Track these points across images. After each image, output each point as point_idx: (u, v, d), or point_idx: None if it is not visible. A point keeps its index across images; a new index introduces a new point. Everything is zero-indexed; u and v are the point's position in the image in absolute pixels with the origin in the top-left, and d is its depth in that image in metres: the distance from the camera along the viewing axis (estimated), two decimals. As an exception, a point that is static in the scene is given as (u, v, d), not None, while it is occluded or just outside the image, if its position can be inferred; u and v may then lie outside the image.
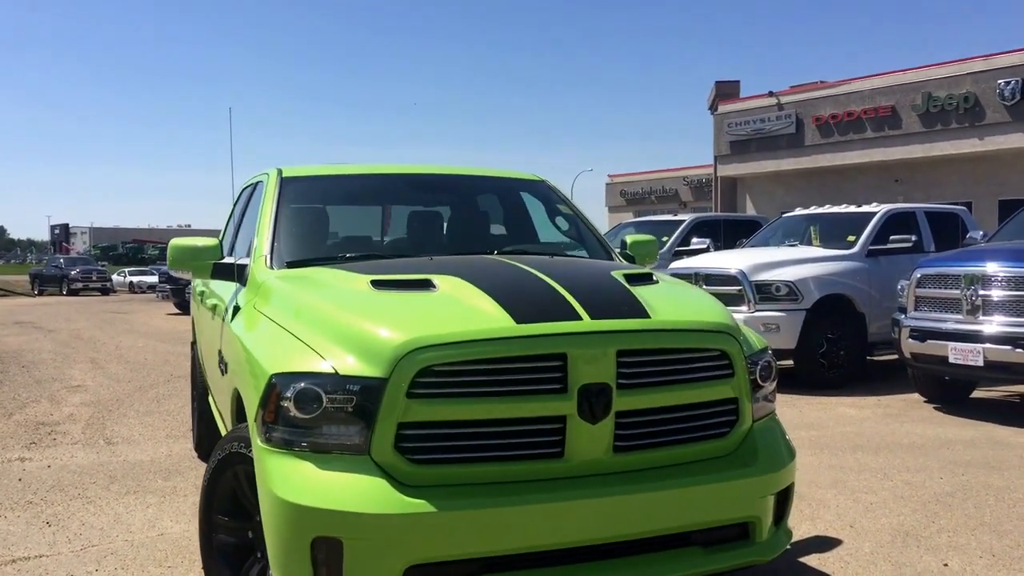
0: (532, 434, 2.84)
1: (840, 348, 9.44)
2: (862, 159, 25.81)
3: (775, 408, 3.48)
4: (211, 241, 4.19)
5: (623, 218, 33.60)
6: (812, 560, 4.23)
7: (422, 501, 2.68)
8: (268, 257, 3.91)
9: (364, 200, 4.75)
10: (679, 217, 13.12)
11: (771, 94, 28.85)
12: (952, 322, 7.62)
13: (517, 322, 2.87)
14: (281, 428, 2.82)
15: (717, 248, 11.65)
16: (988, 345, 7.22)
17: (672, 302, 3.34)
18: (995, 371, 7.36)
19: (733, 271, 9.53)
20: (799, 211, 11.68)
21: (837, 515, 4.93)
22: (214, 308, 4.49)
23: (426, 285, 3.21)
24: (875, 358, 10.60)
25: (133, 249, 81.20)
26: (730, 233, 12.44)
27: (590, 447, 2.88)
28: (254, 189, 4.80)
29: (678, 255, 11.57)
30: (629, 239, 4.73)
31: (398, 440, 2.74)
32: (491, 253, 3.97)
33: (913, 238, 10.02)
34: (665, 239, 12.40)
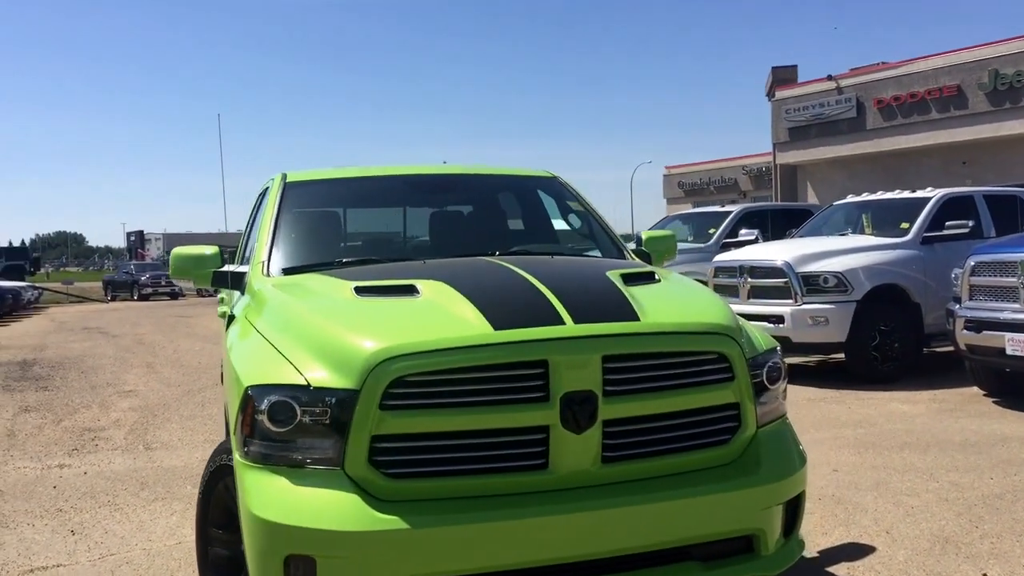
0: (514, 445, 2.72)
1: (894, 340, 9.07)
2: (927, 142, 24.95)
3: (785, 411, 3.29)
4: (212, 249, 4.16)
5: (682, 210, 33.15)
6: (840, 570, 4.02)
7: (395, 517, 2.58)
8: (265, 264, 3.86)
9: (369, 203, 4.67)
10: (726, 208, 12.80)
11: (830, 78, 28.10)
12: (1009, 311, 7.24)
13: (495, 328, 2.75)
14: (257, 441, 2.76)
15: (766, 239, 11.32)
16: (1047, 335, 6.84)
17: (667, 303, 3.18)
18: (1056, 363, 6.97)
19: (778, 263, 9.23)
20: (851, 198, 11.28)
21: (874, 520, 4.69)
22: (223, 316, 4.47)
23: (409, 291, 3.11)
24: (935, 350, 10.19)
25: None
26: (780, 223, 12.08)
27: (576, 458, 2.74)
28: (264, 195, 4.77)
29: (726, 247, 11.27)
30: (645, 235, 4.56)
31: (372, 454, 2.65)
32: (493, 254, 3.84)
33: (971, 223, 9.55)
34: (712, 231, 12.13)
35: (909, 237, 9.57)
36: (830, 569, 4.03)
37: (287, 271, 3.80)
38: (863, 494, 5.16)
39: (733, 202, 18.10)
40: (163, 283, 42.16)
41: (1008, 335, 7.14)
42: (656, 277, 3.50)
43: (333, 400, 2.66)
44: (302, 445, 2.70)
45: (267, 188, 4.70)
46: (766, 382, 3.12)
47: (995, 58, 22.59)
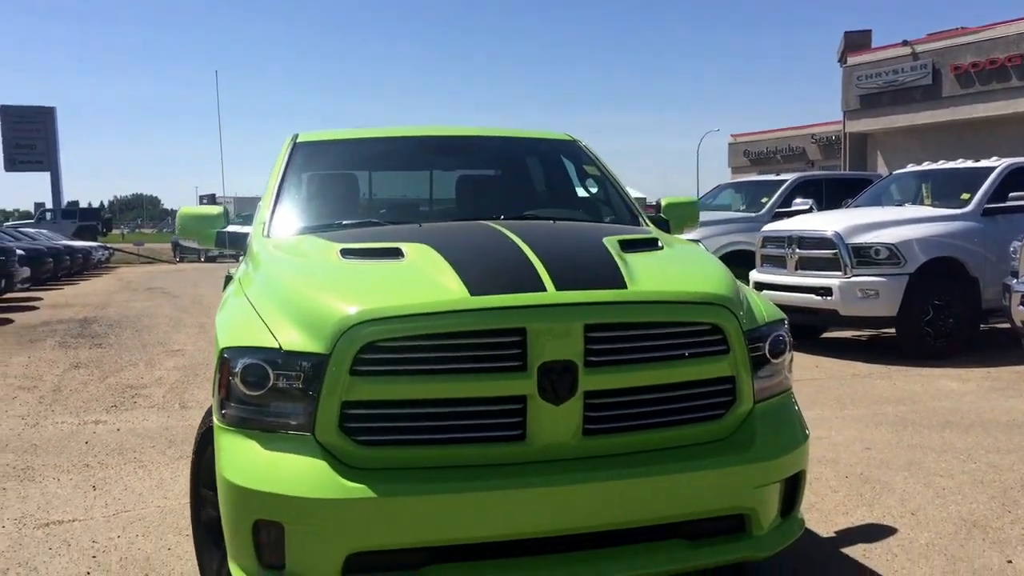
0: (490, 415, 2.63)
1: (948, 316, 8.70)
2: (1006, 110, 23.94)
3: (790, 385, 3.13)
4: (217, 209, 4.14)
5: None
6: (855, 551, 3.86)
7: (363, 486, 2.52)
8: (267, 225, 3.82)
9: (380, 165, 4.58)
10: (781, 177, 12.40)
11: (905, 43, 27.09)
12: (1069, 287, 6.86)
13: (472, 294, 2.65)
14: (233, 405, 2.73)
15: (822, 210, 10.95)
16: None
17: (662, 271, 3.04)
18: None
19: (828, 233, 8.91)
20: (911, 167, 10.82)
21: (901, 500, 4.50)
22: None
23: (394, 254, 3.03)
24: (996, 326, 9.79)
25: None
26: (837, 193, 11.65)
27: (555, 430, 2.64)
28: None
29: (779, 217, 10.93)
30: (664, 201, 4.40)
31: (343, 420, 2.59)
32: (499, 218, 3.74)
33: (1037, 195, 9.08)
34: (765, 200, 11.78)
35: (970, 208, 9.14)
36: (845, 550, 3.87)
37: (287, 232, 3.76)
38: (893, 473, 4.96)
39: (777, 173, 17.45)
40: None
41: (1066, 312, 6.77)
42: (659, 244, 3.36)
43: (302, 364, 2.61)
44: (275, 410, 2.66)
45: None
46: (768, 355, 2.97)
47: (1081, 21, 21.47)
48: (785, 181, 11.99)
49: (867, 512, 4.35)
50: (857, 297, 8.64)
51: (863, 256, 8.70)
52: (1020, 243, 7.40)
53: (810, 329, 10.15)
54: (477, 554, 2.59)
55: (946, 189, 9.81)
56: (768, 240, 9.81)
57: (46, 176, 48.81)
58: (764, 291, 9.71)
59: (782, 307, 10.00)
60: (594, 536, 2.66)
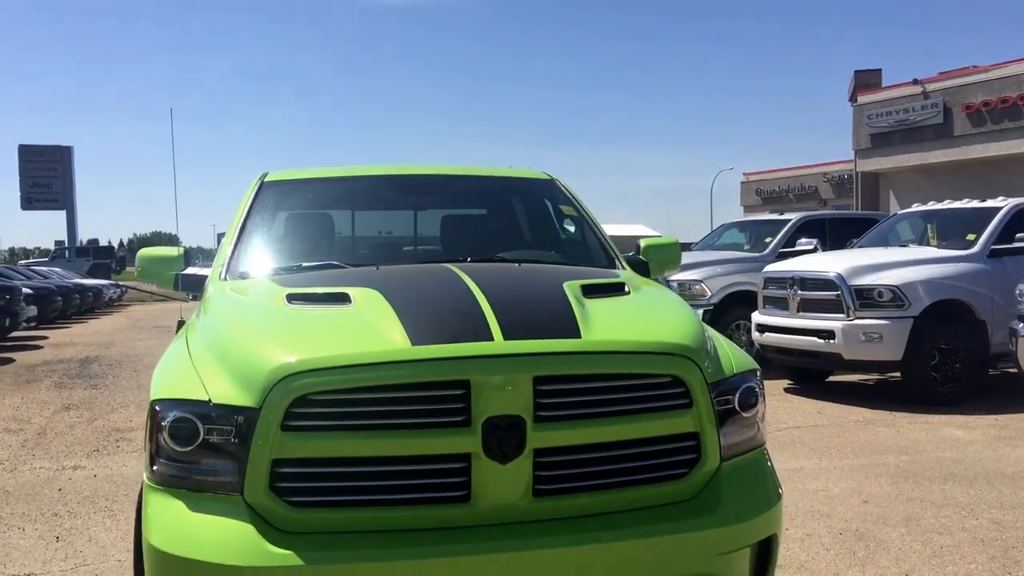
0: (432, 474, 2.45)
1: (955, 360, 8.45)
2: (1019, 149, 23.74)
3: (763, 441, 2.94)
4: (175, 250, 4.01)
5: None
6: (843, 616, 3.63)
7: (289, 552, 2.34)
8: (224, 268, 3.68)
9: (348, 204, 4.44)
10: (784, 216, 12.22)
11: (916, 82, 27.00)
12: (1077, 332, 6.63)
13: (413, 343, 2.49)
14: (162, 461, 2.57)
15: (826, 249, 10.76)
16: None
17: (622, 319, 2.87)
18: None
19: (831, 274, 8.70)
20: (916, 207, 10.62)
21: (895, 560, 4.26)
22: None
23: (342, 299, 2.88)
24: (1006, 370, 9.52)
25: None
26: (841, 233, 11.45)
27: (502, 490, 2.46)
28: None
29: (783, 257, 10.74)
30: (643, 243, 4.24)
31: (274, 479, 2.42)
32: (465, 260, 3.59)
33: (1044, 236, 8.86)
34: (768, 240, 11.59)
35: (975, 249, 8.93)
36: (831, 616, 3.64)
37: (244, 275, 3.62)
38: (890, 530, 4.72)
39: (780, 213, 17.24)
40: (241, 284, 42.77)
41: (1075, 358, 6.53)
42: (625, 289, 3.19)
43: (232, 419, 2.45)
44: (205, 467, 2.50)
45: None
46: (738, 408, 2.78)
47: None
48: (789, 221, 11.81)
49: (859, 573, 4.11)
50: (860, 340, 8.42)
51: (866, 298, 8.49)
52: (1026, 286, 7.18)
53: (815, 373, 9.92)
54: None
55: (952, 229, 9.61)
56: (770, 281, 9.62)
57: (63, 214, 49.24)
58: (766, 333, 9.51)
59: (784, 350, 9.81)
60: (544, 606, 2.47)
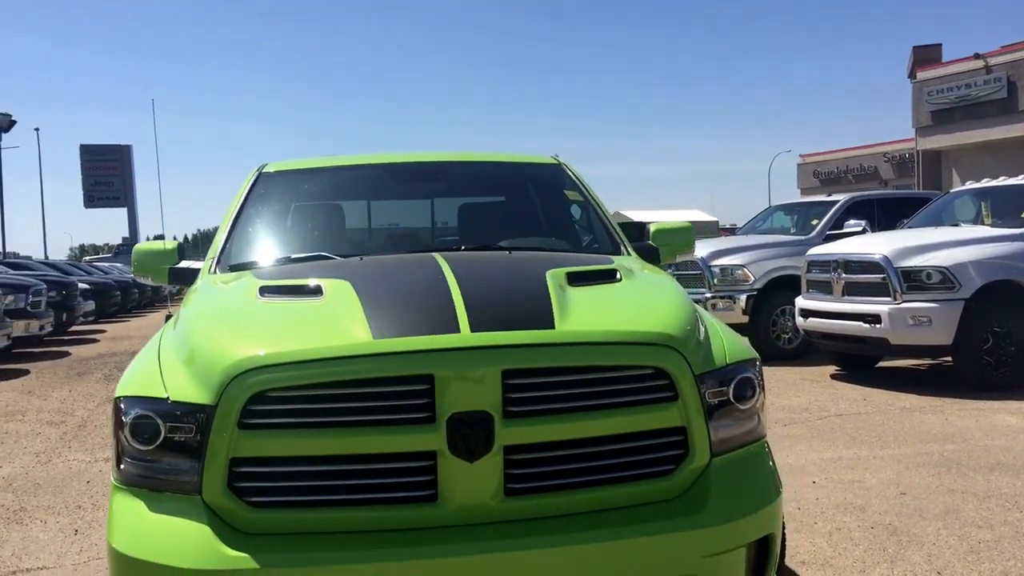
0: (397, 473, 2.35)
1: (1010, 343, 8.06)
2: (1088, 122, 22.71)
3: (763, 434, 2.76)
4: (171, 244, 3.96)
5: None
6: (863, 618, 3.42)
7: (246, 555, 2.25)
8: (215, 261, 3.62)
9: (346, 194, 4.33)
10: (832, 198, 11.83)
11: (977, 56, 26.05)
12: None
13: (375, 336, 2.37)
14: (127, 460, 2.51)
15: (875, 231, 10.38)
16: None
17: (604, 307, 2.71)
18: None
19: (876, 256, 8.37)
20: (969, 185, 10.18)
21: (927, 557, 4.03)
22: None
23: (314, 292, 2.78)
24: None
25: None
26: (891, 213, 11.03)
27: (471, 490, 2.34)
28: None
29: (830, 239, 10.38)
30: (653, 227, 4.06)
31: (232, 479, 2.33)
32: (459, 248, 3.46)
33: (1106, 212, 8.40)
34: (815, 222, 11.23)
35: (1031, 228, 8.50)
36: (851, 617, 3.44)
37: (234, 268, 3.55)
38: (926, 524, 4.48)
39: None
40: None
41: None
42: (616, 276, 3.03)
43: (190, 417, 2.37)
44: (166, 467, 2.43)
45: None
46: (733, 400, 2.61)
47: None
48: (837, 202, 11.42)
49: (887, 570, 3.90)
50: (908, 324, 8.08)
51: (914, 281, 8.14)
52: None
53: (863, 359, 9.58)
54: None
55: (1006, 207, 9.17)
56: (813, 265, 9.30)
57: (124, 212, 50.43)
58: (810, 319, 9.21)
59: (829, 336, 9.45)
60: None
